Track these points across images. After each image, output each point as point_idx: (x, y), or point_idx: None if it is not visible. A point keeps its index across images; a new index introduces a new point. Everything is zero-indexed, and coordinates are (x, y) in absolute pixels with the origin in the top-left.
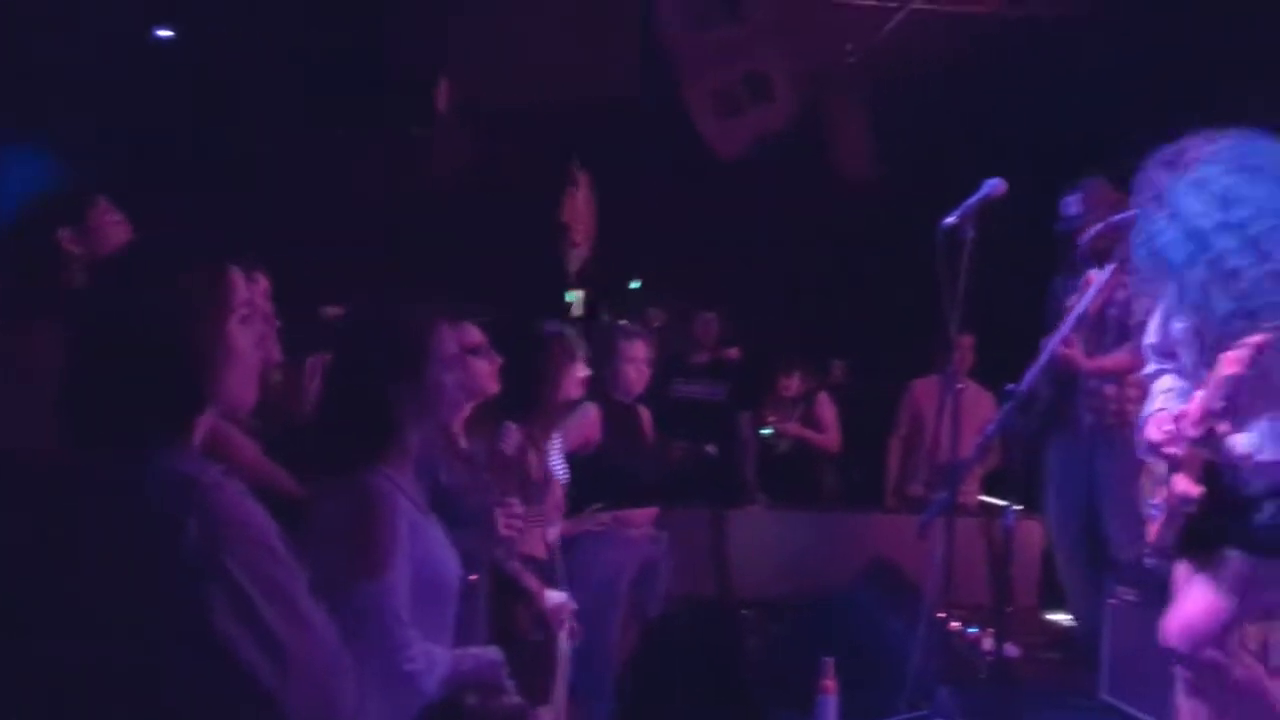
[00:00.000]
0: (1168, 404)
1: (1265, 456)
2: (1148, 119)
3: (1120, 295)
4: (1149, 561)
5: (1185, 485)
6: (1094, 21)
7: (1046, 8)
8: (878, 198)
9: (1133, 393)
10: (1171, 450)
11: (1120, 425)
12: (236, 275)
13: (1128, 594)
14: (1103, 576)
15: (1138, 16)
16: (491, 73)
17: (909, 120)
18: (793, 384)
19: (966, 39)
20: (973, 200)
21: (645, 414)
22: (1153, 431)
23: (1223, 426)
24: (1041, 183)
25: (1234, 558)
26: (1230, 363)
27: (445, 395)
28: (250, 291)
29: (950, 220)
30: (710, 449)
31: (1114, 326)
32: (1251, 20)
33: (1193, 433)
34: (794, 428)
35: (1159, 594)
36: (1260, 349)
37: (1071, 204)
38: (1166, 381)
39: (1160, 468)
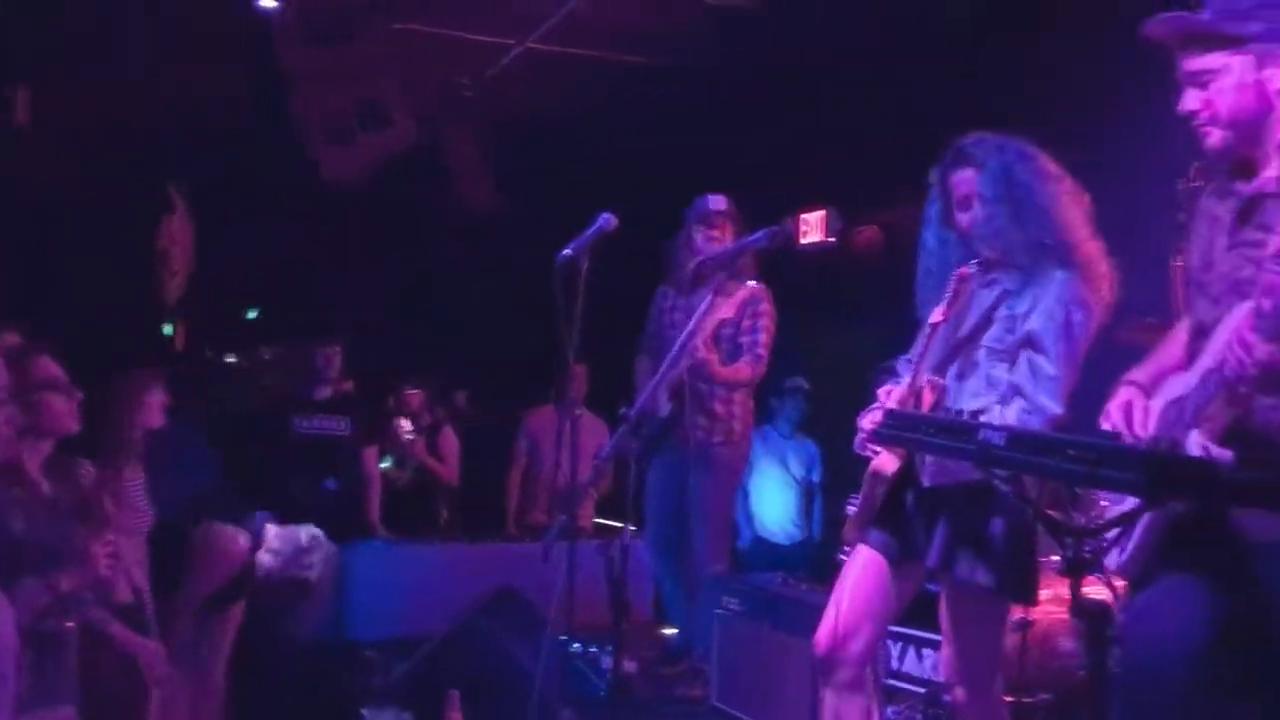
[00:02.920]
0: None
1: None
2: (752, 159)
3: (733, 314)
4: (844, 552)
5: (883, 463)
6: (699, 68)
7: (654, 56)
8: (497, 229)
9: (738, 410)
10: (867, 446)
11: (724, 443)
12: None
13: (732, 604)
14: (698, 589)
15: (739, 66)
16: (80, 83)
17: (529, 153)
18: (415, 399)
19: (582, 78)
20: (587, 234)
21: None
22: (865, 422)
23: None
24: (652, 217)
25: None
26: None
27: None
28: None
29: (566, 253)
30: (330, 484)
31: (726, 345)
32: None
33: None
34: (420, 448)
35: (762, 605)
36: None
37: (712, 202)
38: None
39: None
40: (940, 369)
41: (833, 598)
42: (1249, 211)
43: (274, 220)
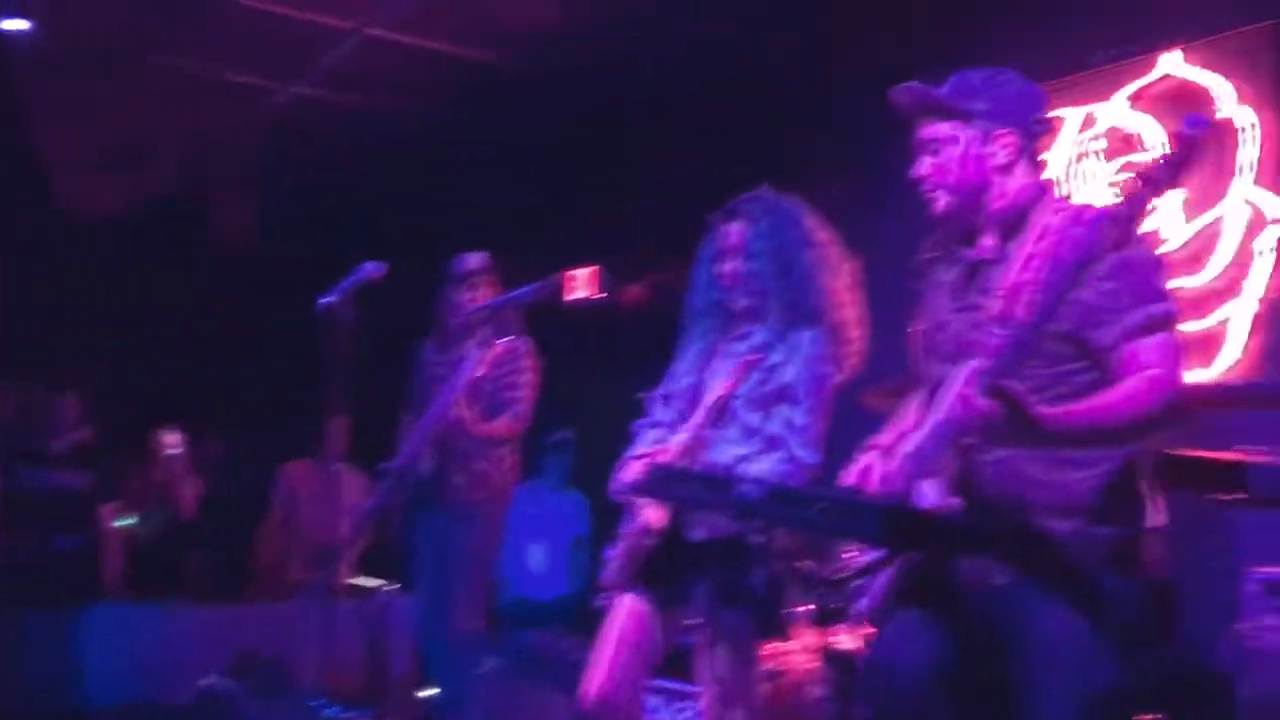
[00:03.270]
0: (649, 446)
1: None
2: (525, 213)
3: (492, 370)
4: (601, 601)
5: (650, 516)
6: (472, 121)
7: (427, 106)
8: (258, 273)
9: (502, 466)
10: (632, 497)
11: (486, 499)
12: None
13: (494, 662)
14: (465, 647)
15: (512, 121)
16: None
17: (297, 197)
18: (165, 446)
19: (353, 125)
20: (349, 281)
21: None
22: (629, 473)
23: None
24: (418, 267)
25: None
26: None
27: None
28: None
29: (329, 299)
30: (61, 543)
31: (486, 399)
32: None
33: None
34: (179, 470)
35: (528, 664)
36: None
37: (470, 261)
38: (654, 434)
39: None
40: (696, 424)
41: (597, 650)
42: (971, 276)
43: (9, 257)
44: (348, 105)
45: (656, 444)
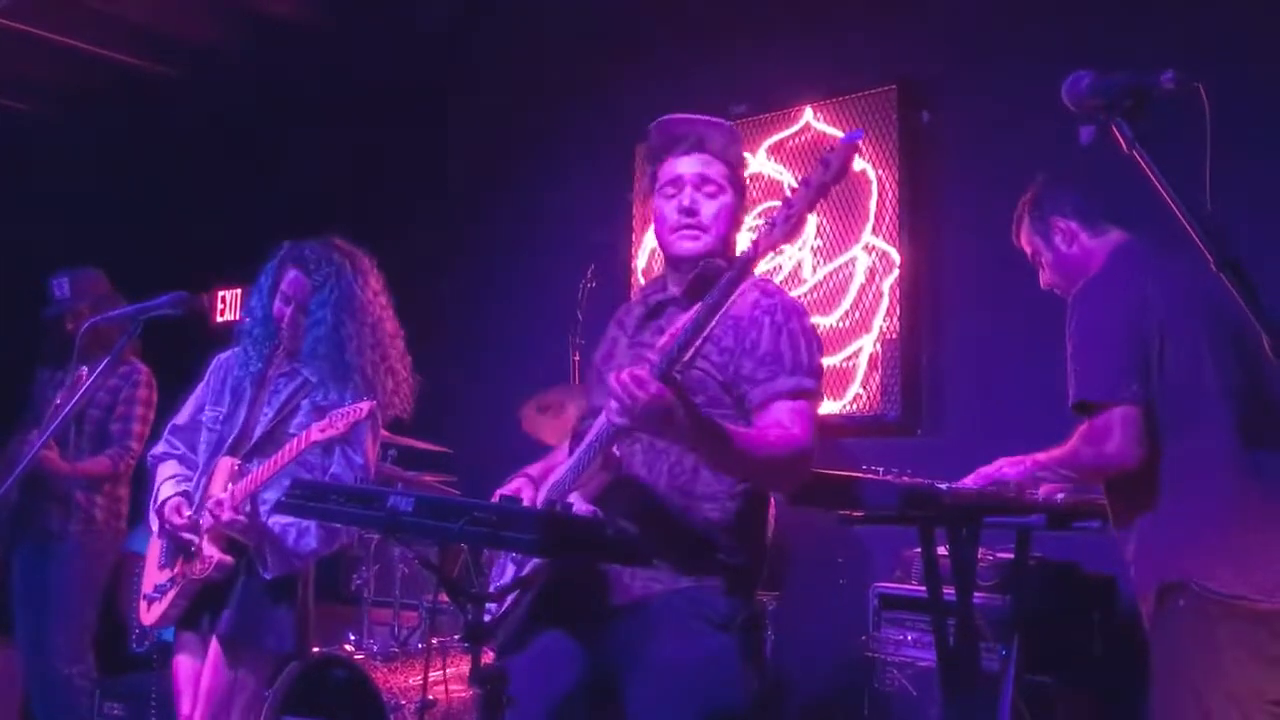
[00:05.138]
0: (177, 489)
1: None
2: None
3: (103, 397)
4: (142, 646)
5: (216, 554)
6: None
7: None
8: None
9: (102, 500)
10: (189, 536)
11: (84, 533)
12: None
13: (115, 709)
14: (71, 692)
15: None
16: None
17: None
18: None
19: None
20: None
21: None
22: (173, 516)
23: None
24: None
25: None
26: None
27: None
28: None
29: None
30: None
31: (93, 429)
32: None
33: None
34: None
35: (147, 707)
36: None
37: (61, 287)
38: (172, 467)
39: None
40: (245, 453)
41: (176, 692)
42: (654, 314)
43: None
44: None
45: (184, 482)
